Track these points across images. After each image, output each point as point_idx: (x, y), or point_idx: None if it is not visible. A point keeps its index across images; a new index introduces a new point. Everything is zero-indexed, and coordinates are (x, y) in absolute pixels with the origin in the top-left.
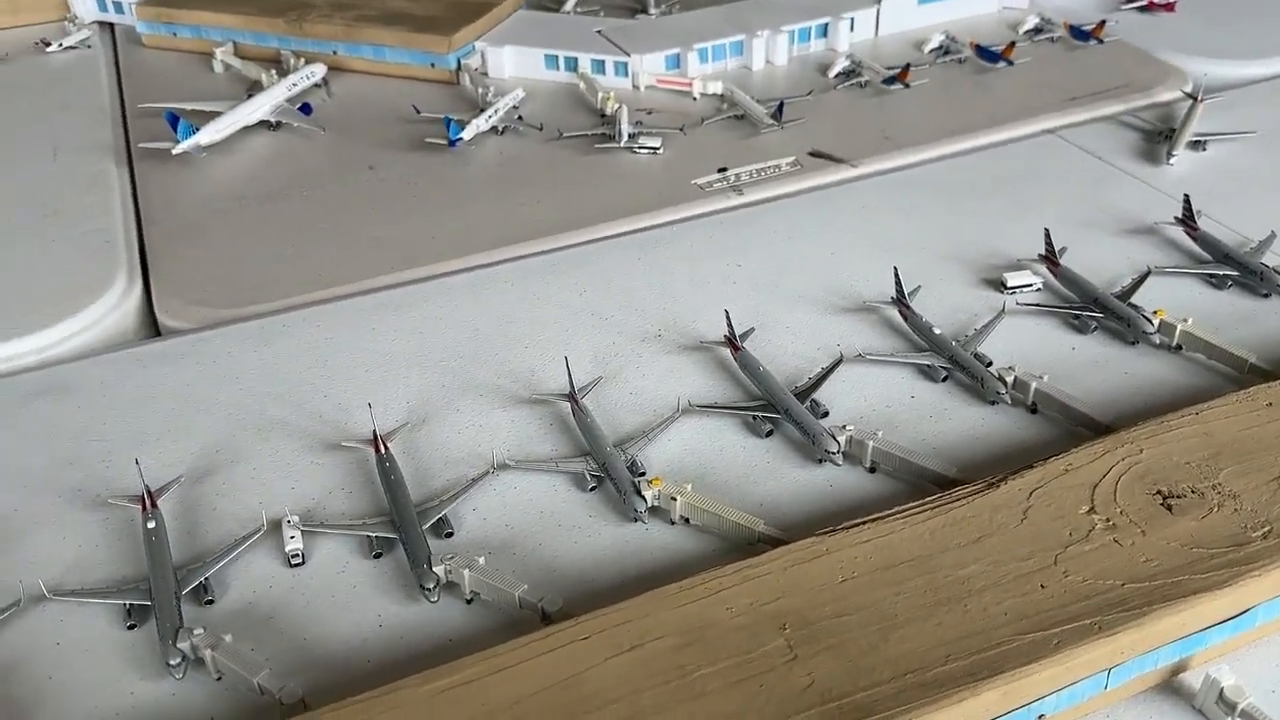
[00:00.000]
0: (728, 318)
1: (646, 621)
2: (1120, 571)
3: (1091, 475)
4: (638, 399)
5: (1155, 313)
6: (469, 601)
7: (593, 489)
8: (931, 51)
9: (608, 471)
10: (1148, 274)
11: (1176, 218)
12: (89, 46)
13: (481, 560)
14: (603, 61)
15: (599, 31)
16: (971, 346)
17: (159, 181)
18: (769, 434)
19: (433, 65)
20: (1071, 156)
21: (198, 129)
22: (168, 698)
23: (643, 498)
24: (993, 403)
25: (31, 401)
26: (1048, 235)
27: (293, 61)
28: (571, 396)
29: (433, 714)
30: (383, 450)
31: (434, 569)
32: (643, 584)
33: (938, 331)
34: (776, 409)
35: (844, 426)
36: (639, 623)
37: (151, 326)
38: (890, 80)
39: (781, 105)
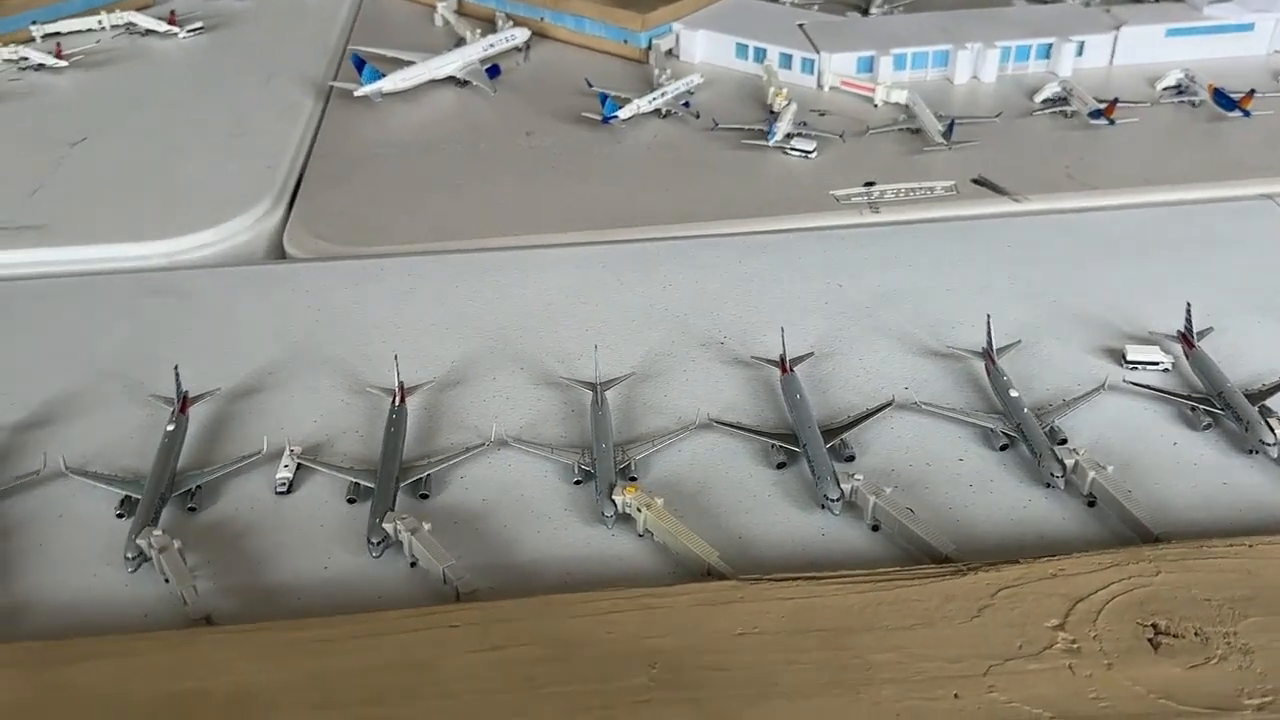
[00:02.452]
0: (783, 337)
1: (523, 625)
2: (1056, 702)
3: (1081, 587)
4: (669, 402)
5: None
6: (413, 565)
7: (578, 482)
8: (1166, 89)
9: (594, 468)
10: None
11: None
12: None
13: (427, 527)
14: (790, 56)
15: (800, 25)
16: (1051, 419)
17: (341, 120)
18: (780, 466)
19: (625, 41)
20: None
21: (383, 75)
22: (120, 587)
23: (613, 502)
24: (1048, 485)
25: (144, 299)
26: (1188, 311)
27: (500, 23)
28: (595, 386)
29: (285, 658)
30: (396, 402)
31: (383, 525)
32: (582, 589)
33: (1014, 394)
34: (797, 441)
35: (853, 475)
36: (516, 624)
37: (282, 251)
38: (1096, 114)
39: (952, 124)
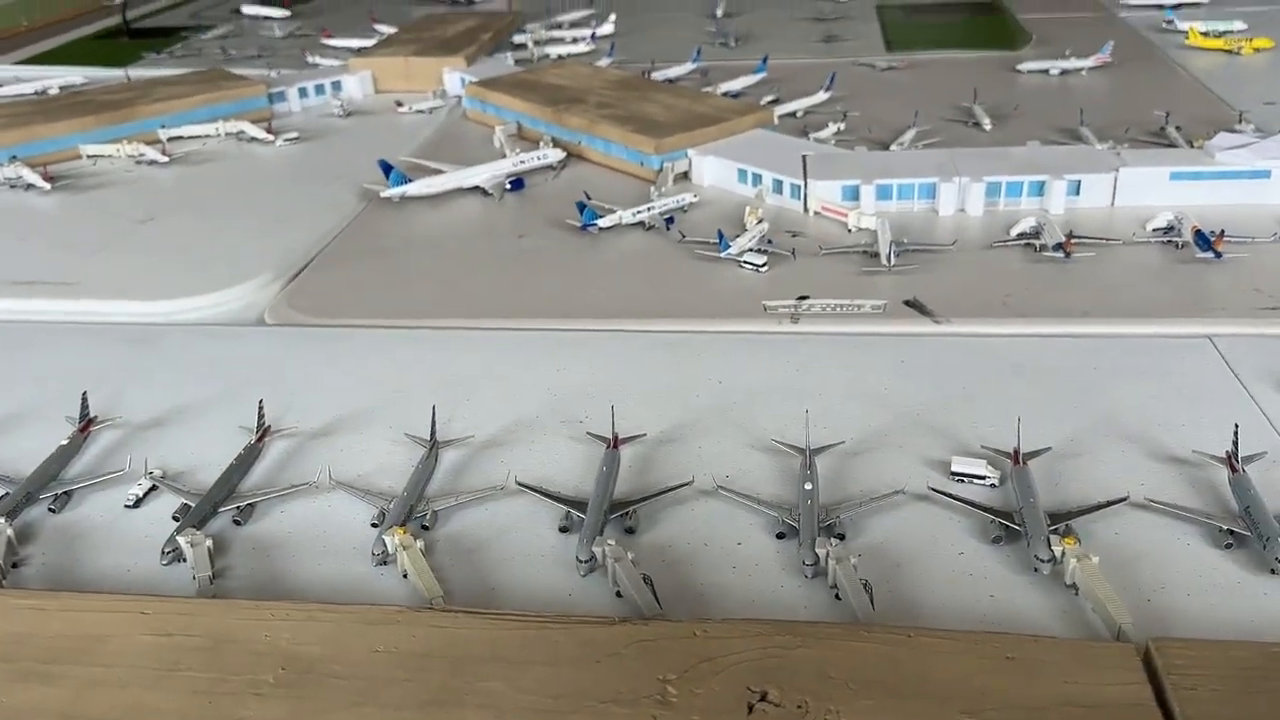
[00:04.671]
0: (612, 415)
1: (202, 620)
2: None
3: (715, 650)
4: (502, 466)
5: (1064, 539)
6: (194, 578)
7: (374, 525)
8: (1156, 230)
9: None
10: (1121, 500)
11: (1228, 453)
12: (430, 113)
13: (208, 544)
14: (782, 182)
15: (804, 156)
16: (838, 514)
17: (373, 216)
18: (563, 530)
19: (641, 164)
20: (1207, 367)
21: (409, 180)
22: None
23: (383, 541)
24: (808, 576)
25: (118, 345)
26: (1018, 428)
27: (543, 145)
28: (431, 444)
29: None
30: (253, 441)
31: (177, 537)
32: None
33: (807, 487)
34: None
35: (609, 541)
36: (196, 619)
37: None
38: (1058, 247)
39: (891, 248)
